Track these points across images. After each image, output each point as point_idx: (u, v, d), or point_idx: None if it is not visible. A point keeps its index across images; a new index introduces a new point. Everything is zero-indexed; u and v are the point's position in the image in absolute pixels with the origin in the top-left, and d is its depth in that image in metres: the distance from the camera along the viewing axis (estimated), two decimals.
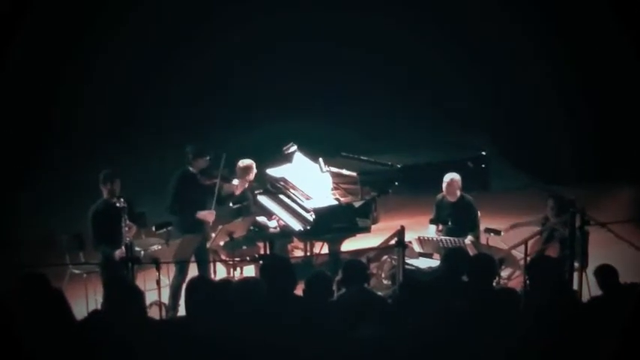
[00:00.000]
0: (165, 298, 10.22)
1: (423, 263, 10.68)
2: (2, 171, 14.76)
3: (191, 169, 10.72)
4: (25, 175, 15.08)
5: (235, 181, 11.19)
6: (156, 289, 9.30)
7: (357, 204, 11.15)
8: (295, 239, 11.80)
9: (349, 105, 17.78)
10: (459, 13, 17.25)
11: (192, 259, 10.53)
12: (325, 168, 11.25)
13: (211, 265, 10.80)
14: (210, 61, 17.31)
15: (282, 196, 11.67)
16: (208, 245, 10.62)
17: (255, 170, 11.39)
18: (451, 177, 11.19)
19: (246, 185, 11.36)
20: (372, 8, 17.32)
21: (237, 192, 11.19)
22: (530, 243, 10.22)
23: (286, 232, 11.43)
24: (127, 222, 9.89)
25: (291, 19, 17.35)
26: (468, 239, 10.77)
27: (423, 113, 17.46)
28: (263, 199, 11.80)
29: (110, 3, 16.68)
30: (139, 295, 6.56)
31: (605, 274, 7.57)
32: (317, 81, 17.75)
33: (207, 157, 10.77)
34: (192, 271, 10.42)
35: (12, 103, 15.45)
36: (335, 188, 11.42)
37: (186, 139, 11.17)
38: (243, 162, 11.35)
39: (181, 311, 9.93)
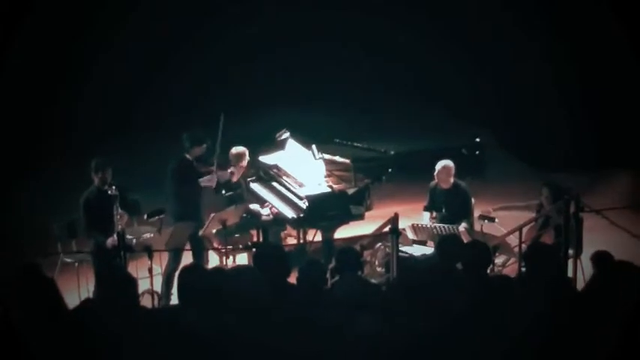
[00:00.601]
0: (158, 287, 10.17)
1: (416, 250, 10.65)
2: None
3: (188, 156, 10.68)
4: (22, 167, 15.05)
5: (232, 169, 11.14)
6: (148, 278, 9.28)
7: (350, 191, 11.10)
8: (288, 227, 11.78)
9: (343, 93, 17.68)
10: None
11: (187, 247, 10.51)
12: (318, 155, 11.20)
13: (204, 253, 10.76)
14: (207, 51, 17.28)
15: (274, 184, 11.63)
16: (200, 233, 10.57)
17: (247, 157, 11.35)
18: (443, 164, 11.15)
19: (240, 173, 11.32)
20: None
21: (234, 179, 11.15)
22: (524, 230, 10.21)
23: (279, 220, 11.39)
24: (119, 210, 9.83)
25: (290, 13, 17.30)
26: (462, 226, 10.77)
27: (417, 100, 17.37)
28: (256, 187, 11.76)
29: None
30: (132, 283, 6.51)
31: (602, 259, 7.53)
32: (312, 69, 17.71)
33: (204, 145, 10.73)
34: (186, 259, 10.39)
35: (12, 93, 15.44)
36: (328, 175, 11.36)
37: (182, 127, 11.10)
38: (236, 149, 11.32)
39: (174, 300, 9.92)
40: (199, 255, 10.57)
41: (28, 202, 14.02)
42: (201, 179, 10.66)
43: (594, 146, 15.54)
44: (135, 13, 16.46)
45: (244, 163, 11.35)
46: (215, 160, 10.75)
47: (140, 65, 16.94)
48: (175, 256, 10.41)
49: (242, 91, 17.35)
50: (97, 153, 10.46)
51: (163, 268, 10.53)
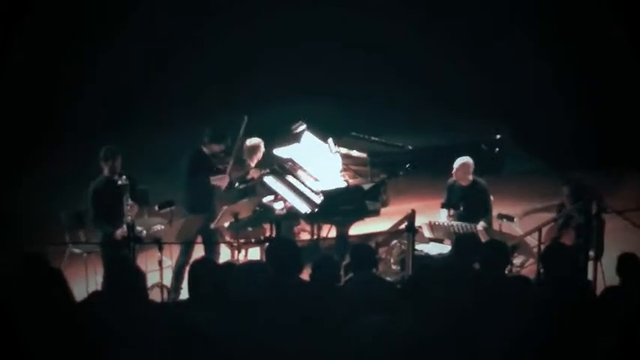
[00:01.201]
0: (168, 280, 10.08)
1: (433, 249, 10.54)
2: (5, 150, 14.71)
3: (205, 149, 10.57)
4: (29, 154, 14.98)
5: (253, 171, 11.07)
6: (158, 271, 9.15)
7: (366, 186, 10.97)
8: (302, 222, 11.65)
9: (361, 86, 17.55)
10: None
11: (198, 239, 10.37)
12: (335, 149, 11.06)
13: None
14: (219, 41, 17.15)
15: (289, 177, 11.49)
16: (212, 226, 10.44)
17: (263, 149, 11.25)
18: (462, 161, 11.01)
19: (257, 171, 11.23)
20: None
21: (255, 177, 11.07)
22: (544, 230, 10.08)
23: (293, 214, 11.26)
24: (129, 201, 9.67)
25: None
26: (480, 225, 10.63)
27: (434, 96, 17.23)
28: (269, 180, 11.63)
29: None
30: (140, 276, 6.36)
31: (629, 262, 7.35)
32: (329, 61, 17.59)
33: (223, 145, 10.65)
34: (197, 251, 10.26)
35: (17, 85, 15.41)
36: (344, 170, 11.22)
37: (193, 117, 11.00)
38: (251, 141, 11.21)
39: (184, 294, 9.78)
40: (211, 249, 10.44)
41: (33, 191, 13.91)
42: (212, 177, 10.52)
43: (613, 146, 15.38)
44: (135, 13, 16.43)
45: (259, 155, 11.23)
46: (231, 159, 10.60)
47: (140, 65, 16.88)
48: (186, 249, 10.30)
49: (255, 84, 17.23)
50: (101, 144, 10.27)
51: (174, 261, 10.40)
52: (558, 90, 16.36)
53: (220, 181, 10.59)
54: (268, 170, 11.69)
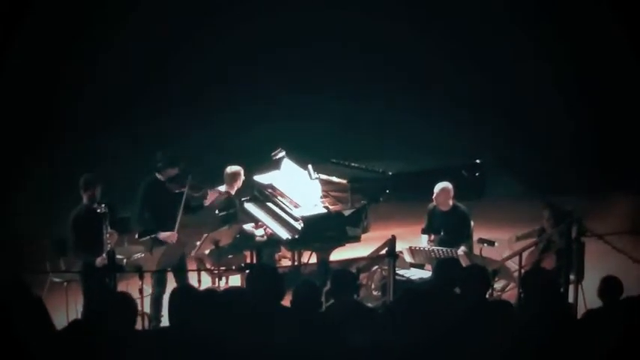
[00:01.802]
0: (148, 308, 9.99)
1: (414, 274, 10.56)
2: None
3: (159, 176, 10.48)
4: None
5: (223, 187, 10.95)
6: (139, 299, 9.09)
7: (346, 212, 10.96)
8: (283, 248, 11.64)
9: (339, 109, 17.54)
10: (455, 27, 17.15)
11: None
12: (314, 175, 11.06)
13: (196, 274, 10.57)
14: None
15: (269, 204, 11.49)
16: (193, 254, 10.43)
17: (243, 177, 11.25)
18: (441, 187, 11.02)
19: (223, 195, 11.16)
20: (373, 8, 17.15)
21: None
22: (525, 254, 10.08)
23: (274, 241, 11.26)
24: (109, 229, 9.64)
25: (285, 21, 17.22)
26: (461, 250, 10.62)
27: (418, 118, 17.25)
28: (250, 207, 11.63)
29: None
30: (132, 304, 6.38)
31: (611, 285, 7.39)
32: (306, 86, 17.57)
33: (177, 168, 10.53)
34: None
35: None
36: (324, 196, 11.23)
37: (166, 144, 10.97)
38: (231, 168, 11.21)
39: (164, 322, 9.74)
40: (181, 277, 10.31)
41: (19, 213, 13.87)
42: (160, 235, 10.36)
43: (597, 170, 15.45)
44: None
45: (239, 183, 11.23)
46: (188, 182, 10.48)
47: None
48: (160, 278, 10.17)
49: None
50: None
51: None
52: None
53: (169, 238, 10.36)
54: (248, 197, 11.70)
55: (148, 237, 10.44)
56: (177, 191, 10.45)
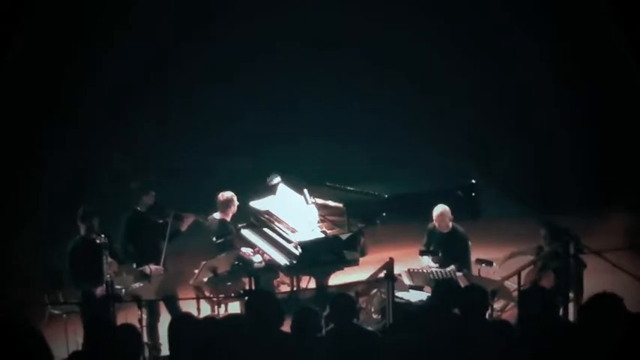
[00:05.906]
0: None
1: (413, 296, 10.51)
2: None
3: (139, 208, 10.54)
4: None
5: (217, 214, 11.00)
6: (139, 328, 9.06)
7: (344, 236, 10.97)
8: (281, 274, 11.60)
9: (331, 133, 17.57)
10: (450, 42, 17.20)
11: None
12: (311, 199, 11.07)
13: (195, 302, 10.56)
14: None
15: (266, 230, 11.49)
16: (191, 282, 10.45)
17: (236, 203, 11.22)
18: (440, 211, 11.06)
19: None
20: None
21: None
22: (523, 273, 10.05)
23: (272, 267, 11.25)
24: (108, 259, 9.66)
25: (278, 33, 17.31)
26: (459, 271, 10.58)
27: (412, 140, 17.25)
28: (247, 233, 11.64)
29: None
30: (137, 335, 6.39)
31: (608, 302, 7.35)
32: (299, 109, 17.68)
33: (152, 193, 10.60)
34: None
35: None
36: (321, 220, 11.23)
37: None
38: (224, 195, 11.20)
39: (164, 350, 9.71)
40: (172, 306, 10.32)
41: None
42: (144, 268, 10.40)
43: (594, 187, 15.49)
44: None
45: (233, 209, 11.22)
46: (172, 215, 10.56)
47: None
48: (152, 307, 10.17)
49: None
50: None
51: None
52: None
53: (156, 272, 10.40)
54: (245, 223, 11.71)
55: (147, 266, 10.45)
56: (160, 221, 10.49)
